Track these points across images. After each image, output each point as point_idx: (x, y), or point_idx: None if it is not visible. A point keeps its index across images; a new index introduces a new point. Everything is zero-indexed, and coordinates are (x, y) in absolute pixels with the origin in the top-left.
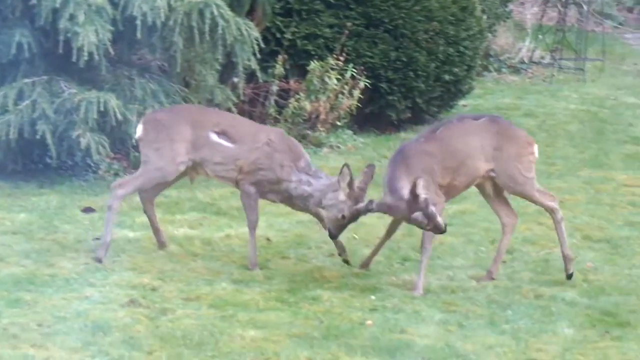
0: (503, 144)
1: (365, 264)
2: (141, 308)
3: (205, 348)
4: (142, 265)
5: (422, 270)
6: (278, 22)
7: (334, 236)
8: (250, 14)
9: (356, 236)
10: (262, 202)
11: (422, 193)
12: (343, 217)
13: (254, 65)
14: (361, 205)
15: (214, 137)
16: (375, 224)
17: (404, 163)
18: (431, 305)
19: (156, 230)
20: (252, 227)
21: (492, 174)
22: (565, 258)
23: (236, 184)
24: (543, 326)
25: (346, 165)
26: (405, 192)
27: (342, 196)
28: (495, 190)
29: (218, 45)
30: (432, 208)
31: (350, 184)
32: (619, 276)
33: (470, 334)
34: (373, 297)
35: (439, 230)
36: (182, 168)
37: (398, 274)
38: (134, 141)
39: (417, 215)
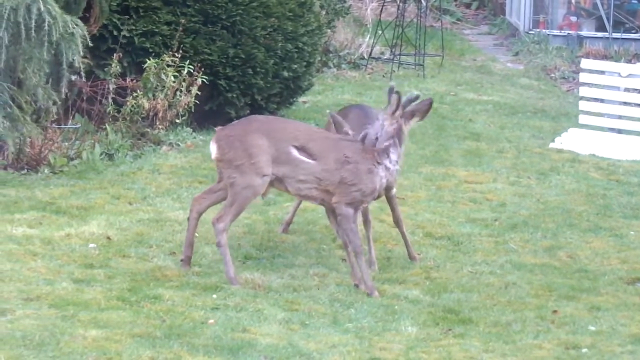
0: None
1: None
2: None
3: (46, 348)
4: None
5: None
6: (115, 20)
7: None
8: (87, 11)
9: (196, 234)
10: (102, 201)
11: None
12: None
13: (76, 63)
14: None
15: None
16: None
17: None
18: (274, 304)
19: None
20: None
21: None
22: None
23: (327, 204)
24: (386, 325)
25: None
26: None
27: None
28: None
29: (44, 42)
30: None
31: None
32: (460, 273)
33: (314, 332)
34: (215, 296)
35: None
36: (267, 181)
37: (239, 273)
38: None
39: None
